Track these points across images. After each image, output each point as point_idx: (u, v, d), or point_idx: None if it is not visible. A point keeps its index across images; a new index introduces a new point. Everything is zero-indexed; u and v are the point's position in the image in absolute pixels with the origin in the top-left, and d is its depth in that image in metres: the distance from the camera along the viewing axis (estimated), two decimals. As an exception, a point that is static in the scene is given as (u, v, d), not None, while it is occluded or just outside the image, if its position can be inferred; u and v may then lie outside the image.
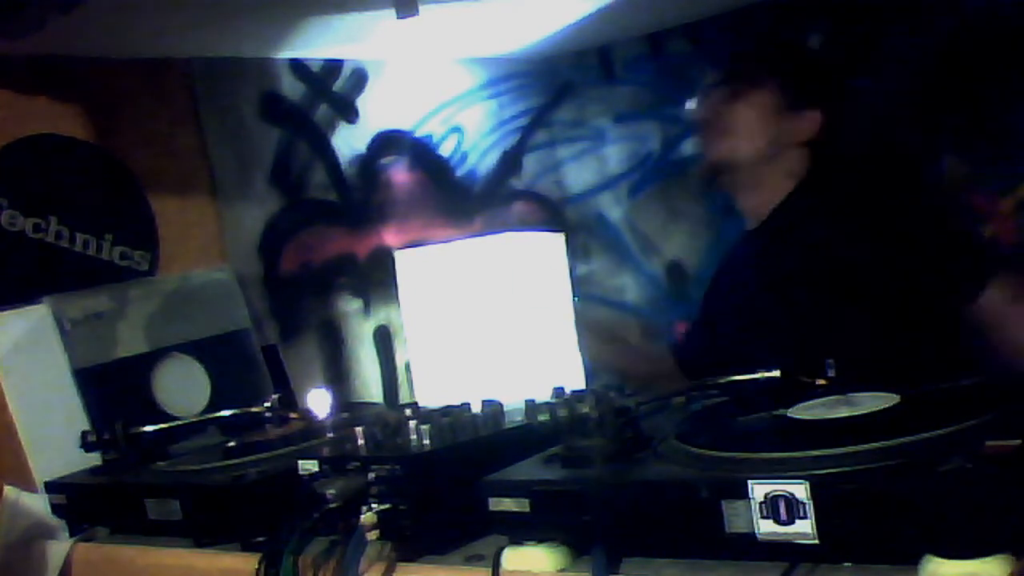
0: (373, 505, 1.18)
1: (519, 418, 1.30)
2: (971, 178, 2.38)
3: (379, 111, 2.63)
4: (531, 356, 1.57)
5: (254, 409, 1.72)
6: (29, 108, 2.02)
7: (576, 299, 1.70)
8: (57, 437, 1.81)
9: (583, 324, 1.69)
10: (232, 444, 1.61)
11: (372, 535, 1.17)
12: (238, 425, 1.74)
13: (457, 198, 2.81)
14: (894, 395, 1.11)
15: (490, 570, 1.09)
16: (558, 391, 1.24)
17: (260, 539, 1.30)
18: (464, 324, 1.61)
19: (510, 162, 2.94)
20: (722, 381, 1.27)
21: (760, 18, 2.60)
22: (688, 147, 2.71)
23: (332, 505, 1.20)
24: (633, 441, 1.13)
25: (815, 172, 1.95)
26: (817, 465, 0.94)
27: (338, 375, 2.46)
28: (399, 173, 2.68)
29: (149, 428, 1.69)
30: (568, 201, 3.04)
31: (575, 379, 1.90)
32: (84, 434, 1.67)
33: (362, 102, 2.60)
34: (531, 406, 1.19)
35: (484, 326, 1.59)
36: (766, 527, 0.94)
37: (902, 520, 0.87)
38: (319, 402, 1.64)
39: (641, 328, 2.79)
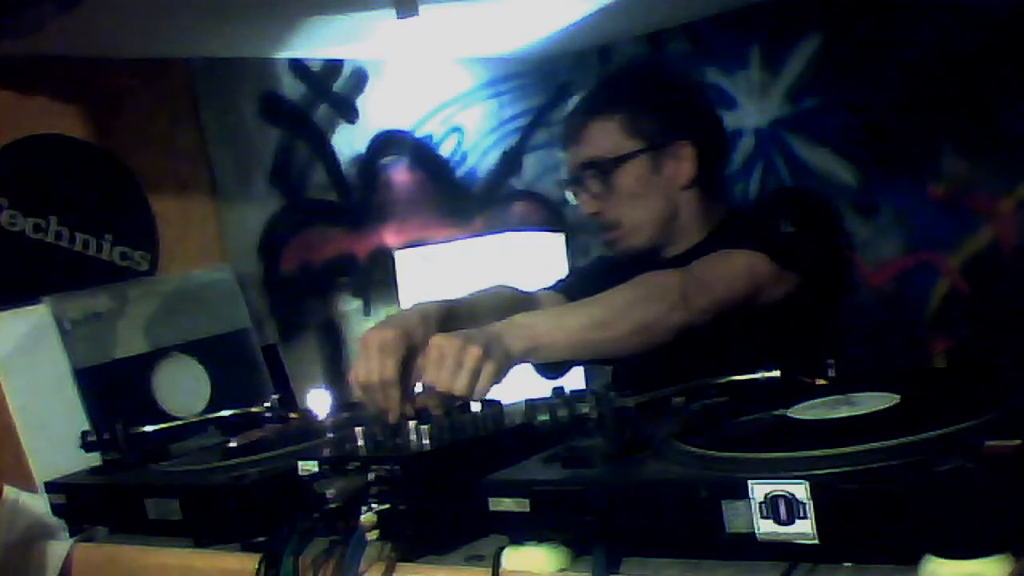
0: (373, 505, 1.18)
1: (519, 418, 1.30)
2: (971, 178, 2.38)
3: (379, 111, 2.63)
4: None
5: (254, 409, 1.72)
6: (29, 108, 2.03)
7: None
8: (57, 437, 1.81)
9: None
10: (232, 444, 1.61)
11: (372, 535, 1.17)
12: (238, 425, 1.74)
13: (457, 198, 2.81)
14: (894, 395, 1.11)
15: (490, 570, 1.09)
16: (558, 391, 1.24)
17: (260, 539, 1.30)
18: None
19: (510, 162, 2.95)
20: (722, 381, 1.27)
21: (760, 18, 2.60)
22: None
23: (332, 505, 1.20)
24: (633, 441, 1.13)
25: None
26: (817, 465, 0.94)
27: (338, 375, 2.46)
28: (399, 173, 2.68)
29: (149, 428, 1.69)
30: (568, 201, 3.03)
31: (575, 379, 1.91)
32: (84, 434, 1.66)
33: (362, 102, 2.60)
34: (531, 406, 1.19)
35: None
36: (766, 527, 0.94)
37: (902, 520, 0.87)
38: (319, 402, 1.64)
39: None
